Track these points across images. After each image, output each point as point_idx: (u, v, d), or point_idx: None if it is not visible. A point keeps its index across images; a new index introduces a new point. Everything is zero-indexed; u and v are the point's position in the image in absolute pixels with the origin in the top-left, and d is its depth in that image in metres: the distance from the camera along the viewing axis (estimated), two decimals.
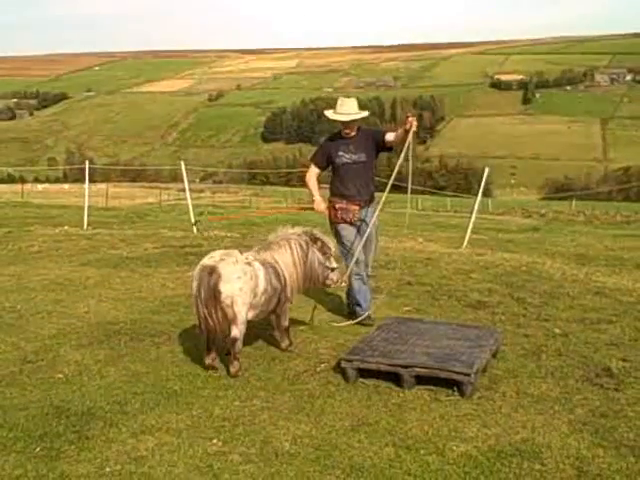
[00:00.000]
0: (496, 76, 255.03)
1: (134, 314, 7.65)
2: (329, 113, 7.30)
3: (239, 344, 5.57)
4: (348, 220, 7.26)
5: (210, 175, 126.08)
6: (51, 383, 5.38)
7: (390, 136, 7.19)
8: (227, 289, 5.40)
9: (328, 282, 6.43)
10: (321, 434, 4.46)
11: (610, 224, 34.64)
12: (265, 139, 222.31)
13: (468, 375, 5.06)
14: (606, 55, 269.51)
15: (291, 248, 6.11)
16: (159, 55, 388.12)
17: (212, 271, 5.41)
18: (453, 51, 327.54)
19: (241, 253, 5.76)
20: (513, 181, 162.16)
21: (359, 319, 7.21)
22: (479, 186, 16.83)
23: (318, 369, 5.75)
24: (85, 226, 17.40)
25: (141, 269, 10.60)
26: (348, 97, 7.36)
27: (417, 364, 5.26)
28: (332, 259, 6.39)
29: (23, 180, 79.08)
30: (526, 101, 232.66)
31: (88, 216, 18.09)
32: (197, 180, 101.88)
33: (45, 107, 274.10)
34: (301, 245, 6.16)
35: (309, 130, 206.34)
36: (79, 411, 4.79)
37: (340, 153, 7.21)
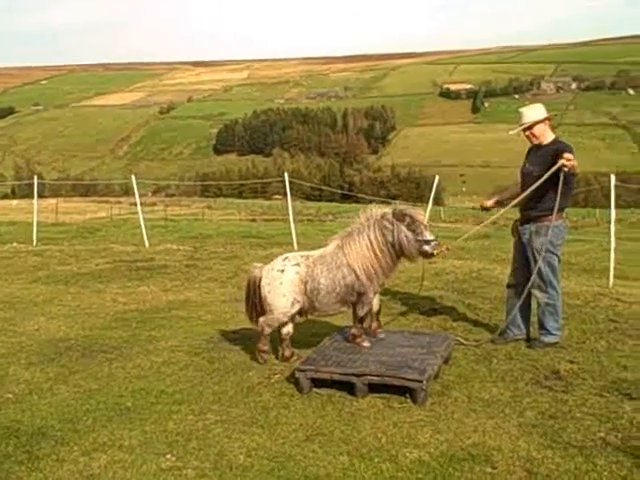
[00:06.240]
0: (445, 85, 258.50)
1: (85, 330, 7.57)
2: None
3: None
4: (514, 231, 7.12)
5: (162, 188, 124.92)
6: (0, 403, 5.28)
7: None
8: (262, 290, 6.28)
9: (423, 254, 6.16)
10: (275, 445, 4.47)
11: None
12: (217, 151, 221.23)
13: (420, 382, 5.12)
14: (551, 64, 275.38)
15: (368, 237, 6.07)
16: (109, 68, 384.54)
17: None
18: (403, 61, 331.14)
19: (285, 259, 6.26)
20: (464, 189, 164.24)
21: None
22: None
23: (272, 380, 5.75)
24: (34, 242, 17.15)
25: (92, 285, 10.49)
26: (528, 106, 6.92)
27: (370, 372, 5.30)
28: (425, 232, 6.11)
29: None
30: (475, 110, 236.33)
31: (37, 232, 17.82)
32: (149, 194, 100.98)
33: None
34: (383, 228, 6.08)
35: (261, 141, 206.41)
36: (29, 431, 4.72)
37: (525, 160, 6.94)
